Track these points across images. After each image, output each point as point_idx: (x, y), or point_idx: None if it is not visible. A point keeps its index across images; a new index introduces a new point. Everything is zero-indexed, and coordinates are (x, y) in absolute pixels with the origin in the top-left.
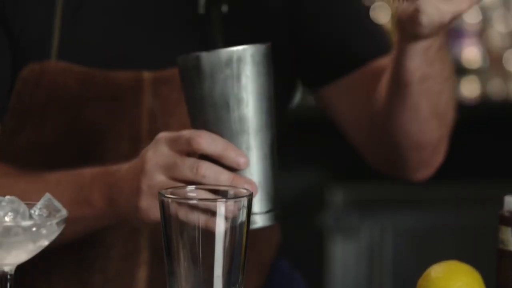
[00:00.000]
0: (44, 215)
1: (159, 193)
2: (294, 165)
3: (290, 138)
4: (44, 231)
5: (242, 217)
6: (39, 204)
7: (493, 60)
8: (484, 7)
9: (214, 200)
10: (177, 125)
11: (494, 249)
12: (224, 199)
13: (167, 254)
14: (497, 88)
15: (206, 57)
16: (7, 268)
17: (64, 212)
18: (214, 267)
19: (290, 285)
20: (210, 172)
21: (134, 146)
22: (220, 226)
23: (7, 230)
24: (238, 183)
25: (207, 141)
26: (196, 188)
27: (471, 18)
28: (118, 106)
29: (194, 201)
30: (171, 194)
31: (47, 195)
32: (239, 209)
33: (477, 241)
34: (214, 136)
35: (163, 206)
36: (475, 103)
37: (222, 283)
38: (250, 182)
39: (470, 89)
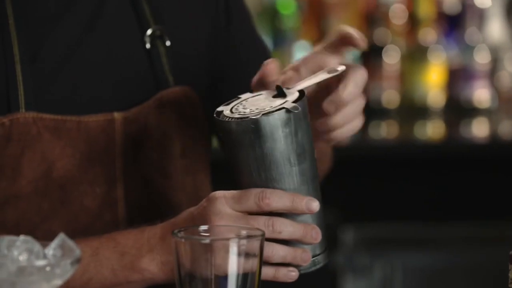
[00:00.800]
0: (58, 255)
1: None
2: None
3: None
4: (58, 271)
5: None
6: (53, 244)
7: (503, 100)
8: (494, 47)
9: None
10: (149, 164)
11: None
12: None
13: None
14: (507, 128)
15: (265, 120)
16: None
17: (78, 252)
18: None
19: None
20: (284, 227)
21: (110, 188)
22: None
23: (22, 270)
24: (308, 232)
25: (274, 199)
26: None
27: (482, 59)
28: (92, 149)
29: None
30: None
31: (61, 235)
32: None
33: (487, 281)
34: (278, 192)
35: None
36: (485, 143)
37: None
38: (316, 228)
39: (480, 129)
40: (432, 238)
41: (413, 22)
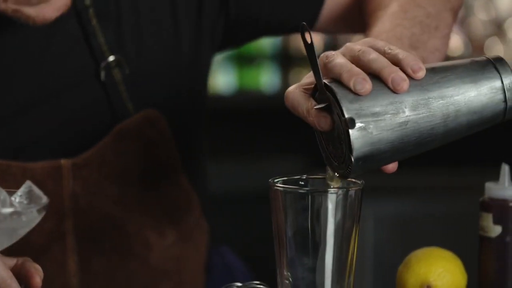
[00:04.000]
0: (25, 202)
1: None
2: (278, 151)
3: (275, 127)
4: (24, 219)
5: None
6: (20, 192)
7: (475, 48)
8: None
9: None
10: (99, 203)
11: (475, 236)
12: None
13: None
14: None
15: None
16: None
17: (45, 200)
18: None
19: (231, 277)
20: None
21: (58, 224)
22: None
23: None
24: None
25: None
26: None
27: None
28: None
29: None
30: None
31: (28, 183)
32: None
33: (458, 228)
34: None
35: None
36: None
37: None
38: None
39: None
40: (403, 187)
41: None
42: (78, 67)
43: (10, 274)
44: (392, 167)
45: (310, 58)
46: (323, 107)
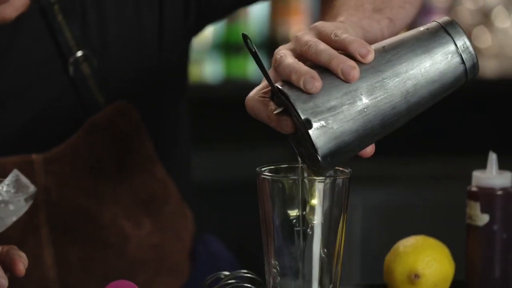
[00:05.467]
0: (12, 191)
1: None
2: (265, 140)
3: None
4: (12, 207)
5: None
6: (7, 181)
7: None
8: None
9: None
10: (72, 195)
11: (462, 225)
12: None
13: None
14: None
15: None
16: None
17: (32, 188)
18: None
19: (216, 265)
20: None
21: (32, 217)
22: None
23: None
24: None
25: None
26: None
27: None
28: None
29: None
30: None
31: (15, 171)
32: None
33: (445, 217)
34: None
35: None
36: None
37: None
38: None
39: None
40: (391, 175)
41: None
42: (46, 63)
43: None
44: (369, 151)
45: (258, 65)
46: (282, 110)
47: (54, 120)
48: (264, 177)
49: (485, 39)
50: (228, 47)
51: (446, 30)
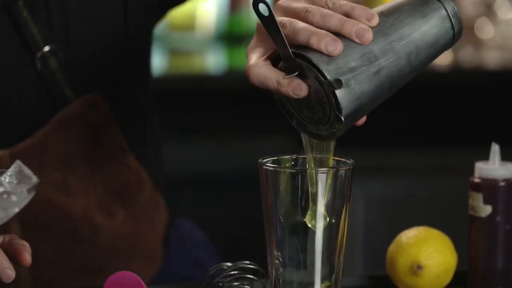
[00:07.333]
0: (15, 182)
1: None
2: (268, 131)
3: (266, 107)
4: (14, 198)
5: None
6: (9, 171)
7: (465, 28)
8: None
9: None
10: (41, 189)
11: (465, 216)
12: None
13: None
14: (469, 56)
15: None
16: None
17: (34, 179)
18: None
19: (188, 249)
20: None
21: None
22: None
23: None
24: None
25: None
26: None
27: None
28: None
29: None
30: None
31: (17, 162)
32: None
33: (448, 208)
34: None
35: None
36: (447, 71)
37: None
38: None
39: (441, 56)
40: (393, 166)
41: None
42: (13, 59)
43: (1, 251)
44: (363, 120)
45: (272, 29)
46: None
47: (22, 115)
48: (266, 168)
49: (488, 31)
50: (231, 38)
51: None
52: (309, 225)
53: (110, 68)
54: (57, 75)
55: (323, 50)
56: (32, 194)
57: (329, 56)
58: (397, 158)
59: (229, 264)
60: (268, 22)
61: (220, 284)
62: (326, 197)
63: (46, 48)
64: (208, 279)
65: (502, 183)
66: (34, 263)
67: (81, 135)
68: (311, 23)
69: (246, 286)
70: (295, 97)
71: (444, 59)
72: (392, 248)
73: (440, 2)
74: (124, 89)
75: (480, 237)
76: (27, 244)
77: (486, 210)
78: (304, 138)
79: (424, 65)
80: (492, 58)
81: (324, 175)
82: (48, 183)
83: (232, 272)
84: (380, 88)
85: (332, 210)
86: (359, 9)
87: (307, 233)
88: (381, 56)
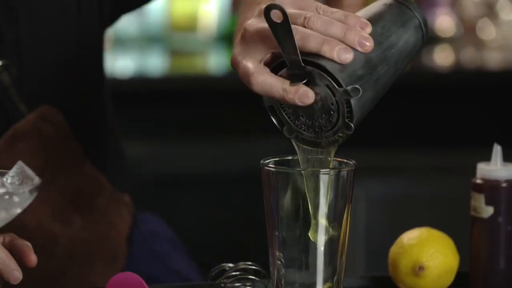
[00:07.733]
0: (17, 183)
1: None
2: (269, 132)
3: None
4: (16, 199)
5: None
6: (11, 172)
7: (467, 28)
8: None
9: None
10: None
11: (466, 216)
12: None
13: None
14: (470, 56)
15: None
16: None
17: (36, 180)
18: None
19: (150, 244)
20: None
21: None
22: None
23: None
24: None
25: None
26: None
27: None
28: None
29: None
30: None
31: (19, 163)
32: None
33: (450, 209)
34: None
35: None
36: (448, 72)
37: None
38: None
39: (443, 57)
40: (395, 167)
41: None
42: None
43: (7, 252)
44: None
45: (284, 36)
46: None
47: None
48: (268, 169)
49: (490, 31)
50: (232, 39)
51: (406, 5)
52: (312, 239)
53: (64, 79)
54: (10, 90)
55: (335, 58)
56: (34, 195)
57: (340, 64)
58: (399, 158)
59: (231, 265)
60: (281, 29)
61: (222, 285)
62: (328, 199)
63: None
64: (210, 279)
65: (504, 184)
66: None
67: (35, 148)
68: (311, 30)
69: (248, 287)
70: (301, 104)
71: (445, 60)
72: (394, 249)
73: (412, 10)
74: (78, 98)
75: (482, 238)
76: (29, 244)
77: (488, 211)
78: (295, 145)
79: (402, 71)
80: (493, 59)
81: (326, 175)
82: None
83: (234, 273)
84: (377, 95)
85: (334, 210)
86: (352, 18)
87: (309, 234)
88: (379, 64)
